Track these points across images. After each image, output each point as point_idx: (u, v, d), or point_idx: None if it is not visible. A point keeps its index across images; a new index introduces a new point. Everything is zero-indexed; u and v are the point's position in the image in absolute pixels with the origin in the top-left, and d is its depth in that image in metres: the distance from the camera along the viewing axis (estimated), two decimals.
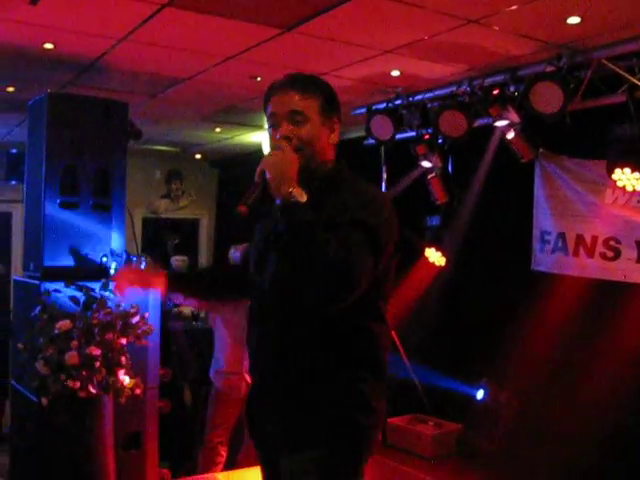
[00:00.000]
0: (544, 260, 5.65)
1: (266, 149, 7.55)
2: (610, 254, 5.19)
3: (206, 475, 5.16)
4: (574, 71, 4.83)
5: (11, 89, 5.95)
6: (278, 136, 2.25)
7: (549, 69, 4.79)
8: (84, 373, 3.98)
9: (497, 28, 4.37)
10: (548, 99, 4.74)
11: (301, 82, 2.31)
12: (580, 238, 5.36)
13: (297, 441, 2.21)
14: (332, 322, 2.16)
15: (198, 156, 9.93)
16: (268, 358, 2.30)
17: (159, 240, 9.49)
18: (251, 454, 5.17)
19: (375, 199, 2.24)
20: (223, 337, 5.18)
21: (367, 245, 2.07)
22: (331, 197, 2.21)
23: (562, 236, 5.49)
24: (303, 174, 2.17)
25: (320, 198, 2.18)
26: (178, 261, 7.68)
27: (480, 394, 5.96)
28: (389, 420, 6.19)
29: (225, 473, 5.17)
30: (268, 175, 2.12)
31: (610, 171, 4.79)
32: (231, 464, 5.35)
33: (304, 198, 2.08)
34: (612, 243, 5.19)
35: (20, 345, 4.21)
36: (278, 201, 2.10)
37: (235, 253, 5.23)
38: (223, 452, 5.25)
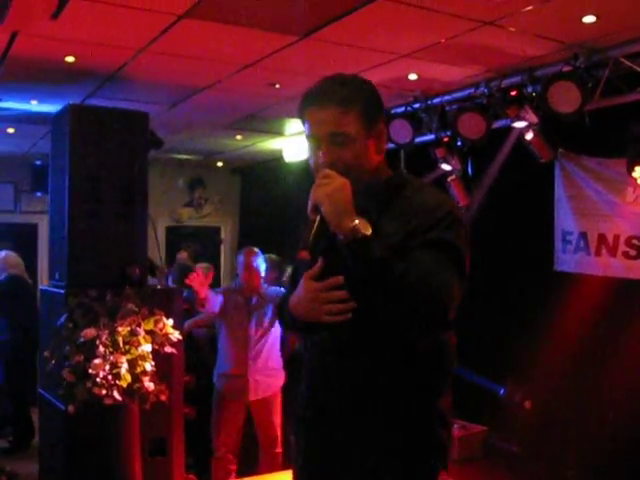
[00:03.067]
0: (566, 260, 5.62)
1: (288, 155, 7.55)
2: (633, 253, 5.16)
3: None
4: (591, 70, 4.82)
5: (34, 102, 6.05)
6: (321, 161, 1.98)
7: (566, 69, 4.78)
8: (110, 380, 4.04)
9: (513, 29, 4.37)
10: (566, 99, 4.73)
11: (338, 91, 1.99)
12: (602, 237, 5.33)
13: (384, 469, 2.03)
14: (406, 347, 1.99)
15: (220, 164, 10.00)
16: (347, 389, 2.06)
17: (179, 247, 9.55)
18: (273, 462, 5.20)
19: (450, 212, 1.96)
20: (227, 340, 5.20)
21: (449, 264, 1.87)
22: (397, 205, 2.00)
23: (584, 236, 5.46)
24: (357, 194, 1.91)
25: (385, 209, 1.99)
26: (202, 269, 7.71)
27: (501, 395, 5.95)
28: None
29: (250, 479, 5.17)
30: (324, 209, 1.86)
31: (630, 169, 4.77)
32: (253, 471, 5.35)
33: (369, 230, 1.84)
34: (635, 242, 5.15)
35: (46, 353, 4.28)
36: (340, 237, 1.86)
37: (215, 297, 5.17)
38: (233, 458, 5.21)
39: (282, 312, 2.25)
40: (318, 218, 1.90)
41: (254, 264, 5.15)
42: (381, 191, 2.04)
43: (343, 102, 1.97)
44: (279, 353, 5.24)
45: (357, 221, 1.84)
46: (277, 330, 5.16)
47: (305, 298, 2.02)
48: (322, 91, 2.02)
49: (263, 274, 5.23)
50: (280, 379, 5.22)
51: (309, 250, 1.89)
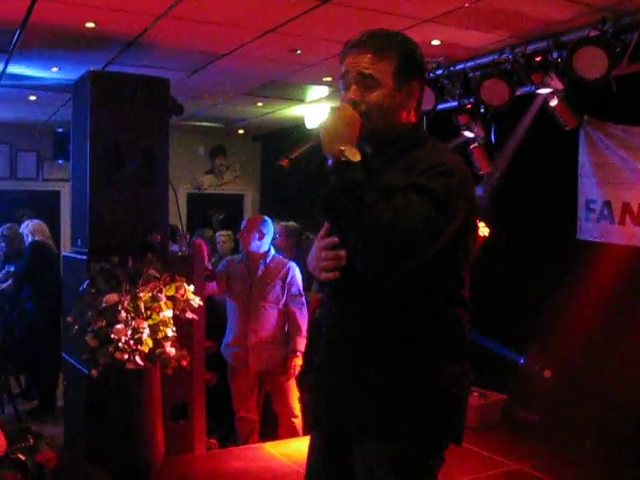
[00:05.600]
0: (589, 229, 5.56)
1: (310, 122, 7.54)
2: None
3: (252, 445, 5.25)
4: (619, 35, 4.70)
5: (55, 69, 6.05)
6: (346, 99, 2.11)
7: (593, 34, 4.68)
8: (132, 345, 4.08)
9: None
10: (592, 65, 4.64)
11: (377, 41, 2.11)
12: (626, 206, 5.25)
13: (374, 431, 2.08)
14: (405, 305, 2.05)
15: (241, 131, 9.98)
16: (341, 341, 2.17)
17: (204, 215, 9.59)
18: (291, 431, 5.25)
19: (442, 164, 2.02)
20: (230, 310, 5.24)
21: (425, 209, 1.89)
22: (404, 162, 2.08)
23: (608, 204, 5.39)
24: (372, 139, 2.11)
25: (393, 162, 2.08)
26: (223, 236, 7.75)
27: (521, 364, 5.94)
28: None
29: (272, 443, 5.25)
30: (322, 132, 2.02)
31: None
32: (272, 436, 5.42)
33: (357, 158, 1.96)
34: None
35: (70, 319, 4.33)
36: (329, 160, 2.01)
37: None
38: (254, 419, 5.34)
39: None
40: (314, 140, 2.06)
41: (252, 228, 5.13)
42: (395, 147, 2.14)
43: (378, 50, 2.10)
44: (285, 327, 5.16)
45: (346, 147, 1.97)
46: (284, 304, 5.13)
47: (312, 256, 2.22)
48: (362, 38, 2.14)
49: (265, 240, 5.14)
50: (283, 352, 5.12)
51: (289, 159, 2.05)
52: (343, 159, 1.96)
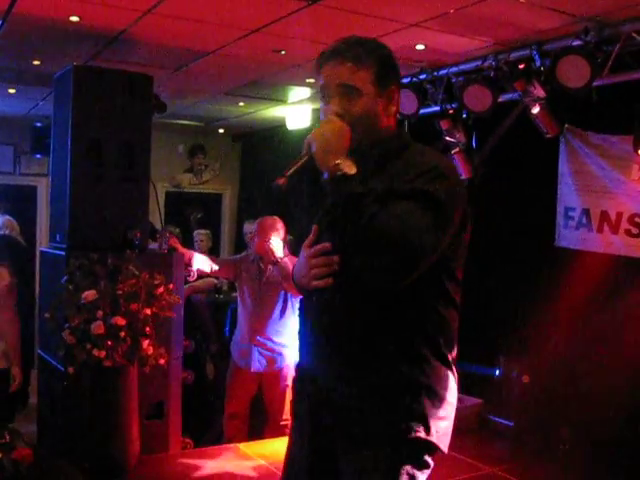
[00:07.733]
0: (568, 236, 5.61)
1: (291, 123, 7.49)
2: (635, 231, 5.14)
3: (227, 445, 5.23)
4: (602, 45, 4.75)
5: (37, 62, 5.98)
6: (329, 113, 2.05)
7: (576, 43, 4.73)
8: (109, 343, 4.05)
9: (524, 1, 4.31)
10: (575, 74, 4.68)
11: (353, 50, 2.06)
12: (605, 214, 5.31)
13: (364, 437, 2.02)
14: (398, 304, 1.99)
15: (221, 130, 9.94)
16: (333, 345, 2.08)
17: (182, 214, 9.54)
18: (277, 428, 5.23)
19: (436, 167, 2.01)
20: (239, 309, 5.23)
21: (427, 215, 1.88)
22: (392, 166, 2.06)
23: (586, 212, 5.44)
24: (359, 150, 2.02)
25: (381, 168, 2.05)
26: (201, 235, 7.71)
27: (497, 369, 5.98)
28: None
29: (246, 443, 5.24)
30: (314, 147, 1.97)
31: (636, 147, 4.75)
32: (258, 437, 5.41)
33: (353, 170, 1.92)
34: (637, 220, 5.12)
35: (47, 315, 4.29)
36: (325, 175, 1.96)
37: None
38: (241, 423, 5.33)
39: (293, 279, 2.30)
40: (307, 156, 1.99)
41: (262, 230, 5.06)
42: (384, 146, 2.11)
43: (356, 59, 2.05)
44: (289, 332, 5.07)
45: (342, 161, 1.93)
46: (293, 308, 5.07)
47: (300, 264, 2.14)
48: (338, 48, 2.09)
49: (277, 244, 5.01)
50: (288, 357, 5.10)
51: (284, 177, 1.97)
52: (339, 173, 1.92)
